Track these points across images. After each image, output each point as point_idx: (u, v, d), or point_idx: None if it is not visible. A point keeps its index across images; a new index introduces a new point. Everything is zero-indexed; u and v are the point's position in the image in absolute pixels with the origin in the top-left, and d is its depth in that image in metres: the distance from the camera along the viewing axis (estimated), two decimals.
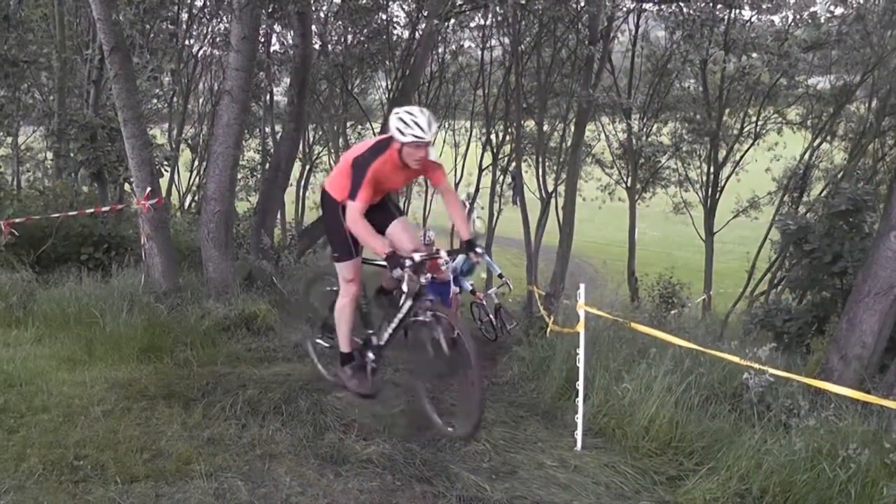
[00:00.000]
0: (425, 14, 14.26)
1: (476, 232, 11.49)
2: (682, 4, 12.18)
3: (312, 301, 5.32)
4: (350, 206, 4.14)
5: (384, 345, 4.53)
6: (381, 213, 4.48)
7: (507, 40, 17.93)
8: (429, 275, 8.92)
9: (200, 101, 20.45)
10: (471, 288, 10.84)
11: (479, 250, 4.33)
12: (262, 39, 13.36)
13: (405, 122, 4.04)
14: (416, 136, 4.02)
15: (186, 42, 16.11)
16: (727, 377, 5.03)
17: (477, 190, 21.72)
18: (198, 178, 19.39)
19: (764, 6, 14.29)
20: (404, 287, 4.16)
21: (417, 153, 4.09)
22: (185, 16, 15.13)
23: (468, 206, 21.77)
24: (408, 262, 4.07)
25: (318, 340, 5.05)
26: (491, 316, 10.82)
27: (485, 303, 11.00)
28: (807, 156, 18.99)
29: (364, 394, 4.55)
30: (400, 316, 4.35)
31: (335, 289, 4.67)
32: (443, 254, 4.35)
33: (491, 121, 20.39)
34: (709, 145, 18.91)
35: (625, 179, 20.13)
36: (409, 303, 4.29)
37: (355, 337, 4.62)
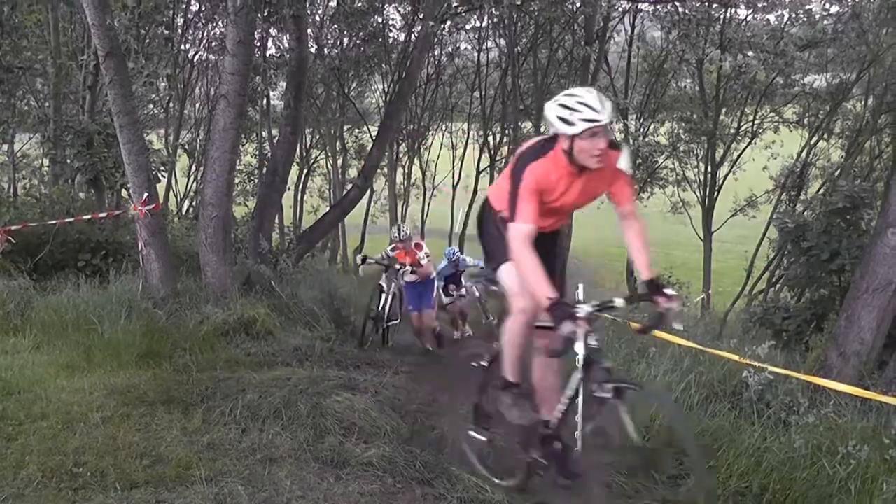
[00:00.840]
0: (421, 16, 14.27)
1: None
2: (677, 4, 12.20)
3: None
4: (511, 229, 3.18)
5: (555, 433, 3.43)
6: (545, 258, 3.27)
7: (503, 42, 17.98)
8: (408, 268, 8.63)
9: (197, 105, 20.47)
10: (462, 294, 10.50)
11: (669, 292, 3.24)
12: (258, 43, 13.39)
13: (568, 107, 3.09)
14: (589, 119, 3.05)
15: (182, 47, 16.13)
16: (726, 375, 5.03)
17: (475, 192, 21.74)
18: (195, 183, 19.40)
19: (759, 5, 14.31)
20: (578, 348, 3.12)
21: (596, 144, 3.08)
22: (180, 20, 15.14)
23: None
24: (581, 311, 3.05)
25: (472, 432, 3.96)
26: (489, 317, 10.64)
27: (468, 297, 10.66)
28: (804, 154, 19.04)
29: (526, 424, 3.57)
30: (570, 393, 3.31)
31: (483, 363, 3.88)
32: (618, 302, 3.30)
33: (488, 122, 20.44)
34: (706, 145, 18.96)
35: None
36: (579, 375, 3.22)
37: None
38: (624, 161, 3.28)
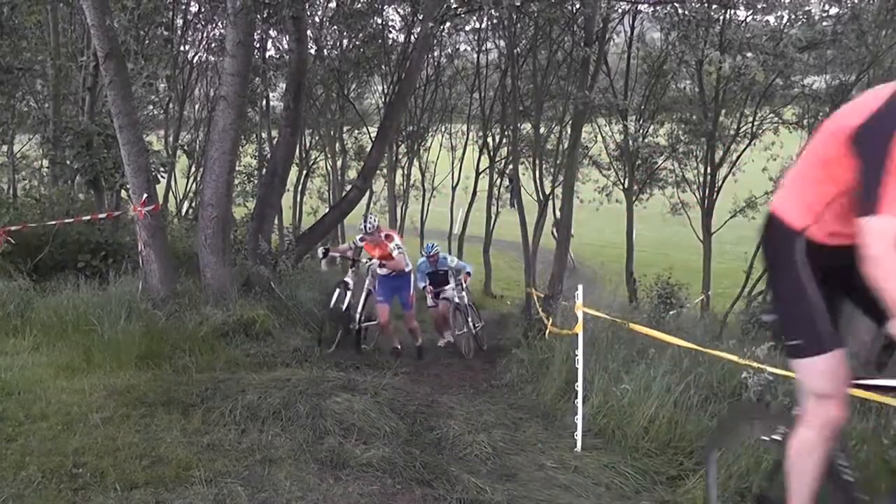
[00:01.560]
0: (420, 18, 14.28)
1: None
2: (677, 5, 12.21)
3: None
4: (869, 227, 2.00)
5: None
6: None
7: (502, 43, 17.99)
8: (374, 261, 8.10)
9: (196, 106, 20.45)
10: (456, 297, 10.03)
11: None
12: (258, 44, 13.39)
13: None
14: None
15: (181, 48, 16.12)
16: (726, 376, 5.03)
17: (474, 193, 21.76)
18: (195, 184, 19.37)
19: (759, 6, 14.32)
20: None
21: None
22: (179, 21, 15.13)
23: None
24: None
25: None
26: (471, 321, 10.16)
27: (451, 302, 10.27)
28: None
29: None
30: None
31: (776, 438, 2.67)
32: None
33: (487, 124, 20.45)
34: (705, 146, 18.96)
35: (622, 181, 20.16)
36: None
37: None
38: None
